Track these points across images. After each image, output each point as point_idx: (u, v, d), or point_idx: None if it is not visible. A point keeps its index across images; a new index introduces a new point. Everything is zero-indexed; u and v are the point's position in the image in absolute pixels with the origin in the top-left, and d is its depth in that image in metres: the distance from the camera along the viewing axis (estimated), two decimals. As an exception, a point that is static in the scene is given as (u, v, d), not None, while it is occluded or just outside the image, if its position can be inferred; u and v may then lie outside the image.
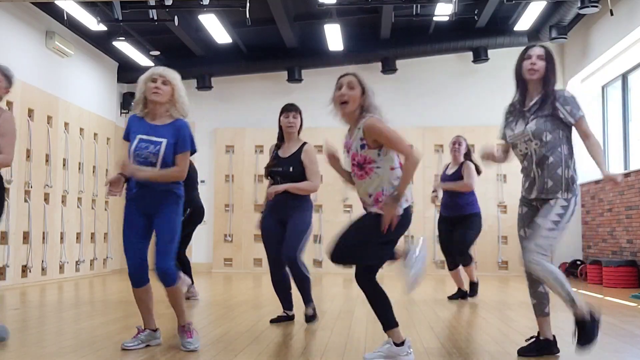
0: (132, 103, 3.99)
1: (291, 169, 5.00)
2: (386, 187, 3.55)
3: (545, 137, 3.63)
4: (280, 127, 5.15)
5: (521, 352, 3.75)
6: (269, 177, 5.15)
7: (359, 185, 3.65)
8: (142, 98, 3.93)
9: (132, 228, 3.93)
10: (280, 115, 5.14)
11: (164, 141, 3.87)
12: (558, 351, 3.80)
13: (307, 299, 5.13)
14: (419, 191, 11.24)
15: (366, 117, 3.60)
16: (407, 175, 3.48)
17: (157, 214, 3.90)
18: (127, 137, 4.00)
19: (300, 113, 5.14)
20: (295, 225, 5.00)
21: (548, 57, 3.67)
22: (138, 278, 3.94)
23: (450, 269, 7.00)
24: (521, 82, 3.73)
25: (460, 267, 6.95)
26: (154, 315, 4.08)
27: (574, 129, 3.71)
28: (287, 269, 5.08)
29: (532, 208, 3.79)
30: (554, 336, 3.79)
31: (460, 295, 6.95)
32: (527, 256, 3.57)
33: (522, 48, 3.86)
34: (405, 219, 3.59)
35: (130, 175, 3.87)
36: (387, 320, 3.65)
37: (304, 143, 5.10)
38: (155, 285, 3.96)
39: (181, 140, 3.90)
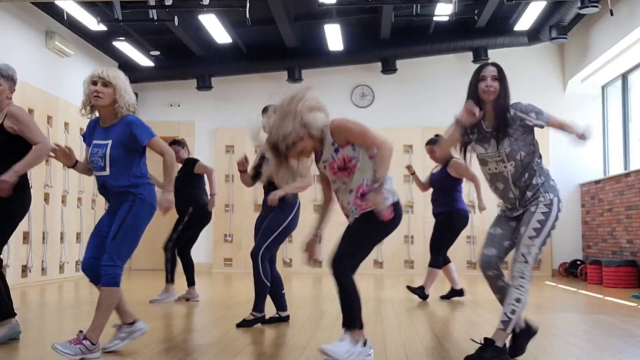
0: (81, 104, 3.91)
1: None
2: (367, 177, 3.54)
3: (520, 157, 3.62)
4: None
5: (512, 354, 3.70)
6: (258, 178, 5.21)
7: (344, 190, 3.63)
8: (87, 100, 3.85)
9: (96, 226, 3.90)
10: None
11: (109, 142, 3.76)
12: (536, 330, 3.78)
13: (255, 305, 4.99)
14: (419, 191, 11.21)
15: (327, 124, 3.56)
16: (383, 164, 3.46)
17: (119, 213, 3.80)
18: (85, 141, 3.95)
19: None
20: (267, 223, 4.99)
21: (501, 76, 3.69)
22: (89, 276, 3.81)
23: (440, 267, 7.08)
24: (476, 102, 3.73)
25: (451, 266, 6.99)
26: (128, 309, 3.93)
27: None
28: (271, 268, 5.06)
29: (512, 217, 3.77)
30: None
31: (455, 294, 6.97)
32: (514, 267, 3.57)
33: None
34: (396, 214, 3.62)
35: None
36: (353, 318, 3.52)
37: None
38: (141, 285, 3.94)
39: (138, 134, 3.74)
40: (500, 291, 3.73)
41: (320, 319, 5.30)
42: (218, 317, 5.56)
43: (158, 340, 4.20)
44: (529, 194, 3.63)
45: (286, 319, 5.16)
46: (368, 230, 3.59)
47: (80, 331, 3.68)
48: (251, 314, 5.00)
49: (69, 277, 9.56)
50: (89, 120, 3.98)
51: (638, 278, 8.54)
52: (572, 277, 10.46)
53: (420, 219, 11.15)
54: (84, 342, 3.62)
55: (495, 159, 3.67)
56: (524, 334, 3.73)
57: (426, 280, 6.87)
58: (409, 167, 7.46)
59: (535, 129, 3.68)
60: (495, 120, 3.65)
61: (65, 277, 9.47)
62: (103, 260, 3.68)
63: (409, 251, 11.26)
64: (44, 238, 8.93)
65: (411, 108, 11.68)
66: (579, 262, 10.55)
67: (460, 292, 6.97)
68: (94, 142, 3.86)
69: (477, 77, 3.71)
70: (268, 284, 4.99)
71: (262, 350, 3.97)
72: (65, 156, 3.91)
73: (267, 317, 5.15)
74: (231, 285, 9.06)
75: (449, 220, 6.85)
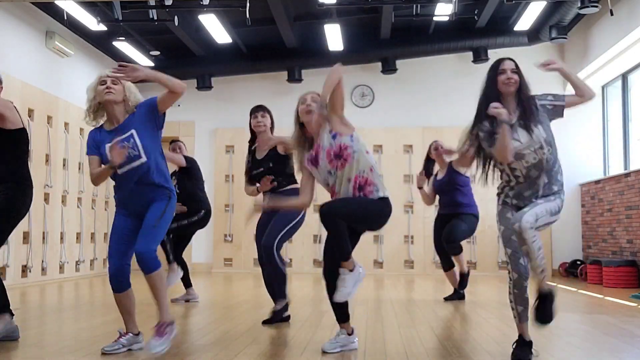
0: (85, 112, 3.90)
1: (271, 164, 5.08)
2: (364, 170, 3.79)
3: (554, 142, 3.70)
4: (252, 131, 5.25)
5: (521, 357, 3.68)
6: (254, 182, 5.18)
7: (340, 181, 3.81)
8: (96, 104, 3.85)
9: (117, 231, 3.86)
10: (249, 119, 5.24)
11: (133, 131, 3.78)
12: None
13: (279, 295, 5.06)
14: (418, 191, 11.22)
15: (324, 113, 3.86)
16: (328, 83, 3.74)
17: (148, 209, 3.82)
18: (93, 152, 3.86)
19: (269, 112, 5.25)
20: (280, 215, 4.99)
21: (518, 69, 3.73)
22: (117, 283, 3.83)
23: (445, 270, 7.00)
24: (495, 97, 3.72)
25: (455, 270, 6.97)
26: (136, 319, 3.97)
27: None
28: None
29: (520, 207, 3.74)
30: None
31: (457, 296, 6.95)
32: (524, 218, 3.47)
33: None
34: (386, 208, 3.85)
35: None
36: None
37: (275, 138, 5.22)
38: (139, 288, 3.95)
39: (149, 101, 3.89)
40: (525, 303, 3.67)
41: (320, 319, 5.30)
42: (218, 317, 5.55)
43: (158, 340, 4.19)
44: (555, 187, 3.66)
45: (287, 318, 5.16)
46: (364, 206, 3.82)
47: (157, 323, 3.74)
48: (278, 303, 5.05)
49: (69, 277, 9.56)
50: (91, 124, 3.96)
51: (638, 278, 8.54)
52: (572, 277, 10.46)
53: (420, 219, 11.15)
54: (166, 328, 3.74)
55: (533, 147, 3.63)
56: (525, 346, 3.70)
57: (456, 281, 6.89)
58: (420, 178, 7.01)
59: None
60: (518, 110, 3.68)
61: (65, 277, 9.47)
62: (143, 247, 3.67)
63: (409, 251, 11.26)
64: (44, 238, 8.93)
65: (411, 108, 11.68)
66: (579, 262, 10.55)
67: (463, 296, 6.97)
68: (109, 144, 3.78)
69: (495, 71, 3.71)
70: (285, 273, 5.04)
71: (262, 350, 3.97)
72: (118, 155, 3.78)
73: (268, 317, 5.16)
74: (231, 285, 9.06)
75: (472, 221, 6.85)
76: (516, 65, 3.74)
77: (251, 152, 5.24)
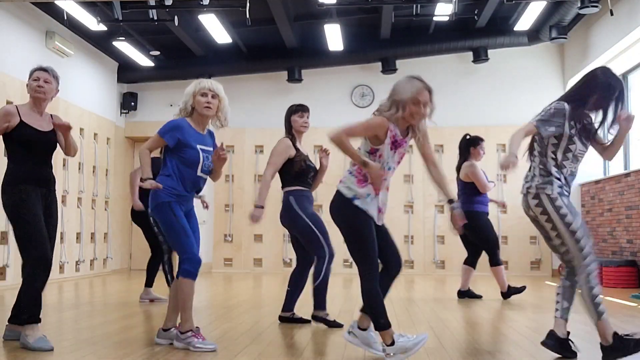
0: (179, 110, 4.13)
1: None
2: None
3: None
4: (290, 125, 5.12)
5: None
6: (306, 170, 5.06)
7: (387, 181, 3.98)
8: (190, 110, 4.06)
9: (186, 225, 4.03)
10: (293, 114, 5.11)
11: (211, 150, 4.13)
12: None
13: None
14: (419, 191, 11.24)
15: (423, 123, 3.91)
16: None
17: (189, 213, 4.13)
18: (170, 139, 3.96)
19: None
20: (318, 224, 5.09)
21: None
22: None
23: (472, 267, 7.14)
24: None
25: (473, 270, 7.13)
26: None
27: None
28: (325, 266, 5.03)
29: None
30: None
31: (474, 295, 7.04)
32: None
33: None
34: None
35: None
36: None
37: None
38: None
39: (214, 139, 4.26)
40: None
41: (320, 319, 5.29)
42: (218, 317, 5.55)
43: (158, 340, 4.18)
44: None
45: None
46: None
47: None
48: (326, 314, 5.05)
49: (69, 277, 9.55)
50: (173, 118, 4.14)
51: (638, 278, 8.55)
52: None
53: (420, 219, 11.14)
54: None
55: (583, 155, 3.91)
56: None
57: (500, 281, 6.91)
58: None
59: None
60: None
61: (65, 277, 9.47)
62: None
63: (408, 251, 11.26)
64: (44, 238, 8.91)
65: (411, 108, 11.67)
66: (579, 262, 10.54)
67: (468, 294, 7.05)
68: (200, 147, 4.05)
69: (614, 91, 3.88)
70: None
71: (262, 350, 3.97)
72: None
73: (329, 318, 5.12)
74: (231, 285, 9.06)
75: None
76: None
77: (295, 146, 5.06)
